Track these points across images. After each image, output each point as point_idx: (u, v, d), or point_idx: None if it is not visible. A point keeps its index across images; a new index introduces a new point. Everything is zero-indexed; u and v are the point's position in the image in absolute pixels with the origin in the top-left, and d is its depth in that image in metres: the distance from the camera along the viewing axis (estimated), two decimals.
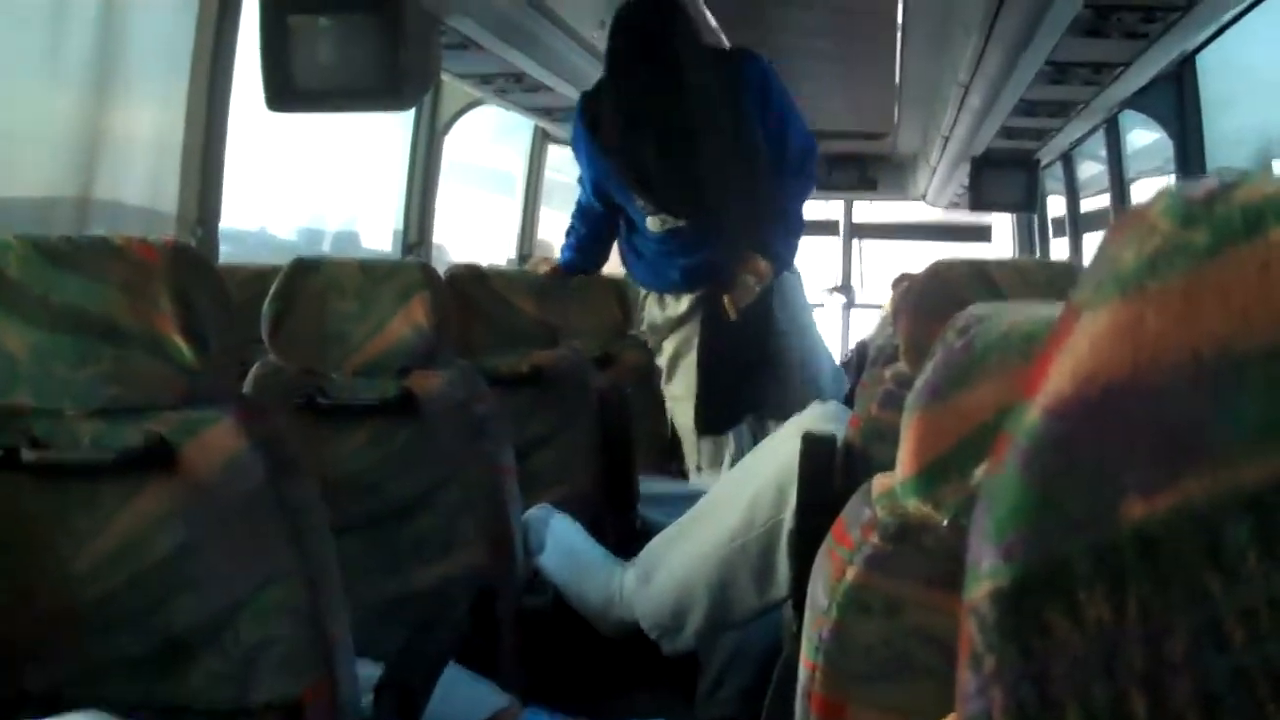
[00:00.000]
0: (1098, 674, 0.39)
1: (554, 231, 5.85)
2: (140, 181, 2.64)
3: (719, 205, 2.84)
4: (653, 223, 2.91)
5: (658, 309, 3.07)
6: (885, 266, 8.00)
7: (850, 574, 0.99)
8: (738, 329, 2.92)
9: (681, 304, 3.03)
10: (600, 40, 3.62)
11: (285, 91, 2.62)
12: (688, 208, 2.86)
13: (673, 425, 3.19)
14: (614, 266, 3.35)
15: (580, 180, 3.14)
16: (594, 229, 3.20)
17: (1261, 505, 0.37)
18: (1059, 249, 6.53)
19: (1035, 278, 1.70)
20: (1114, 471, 0.39)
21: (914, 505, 0.95)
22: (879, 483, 1.03)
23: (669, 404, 3.15)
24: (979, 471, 0.86)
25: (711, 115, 2.78)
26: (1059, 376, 0.41)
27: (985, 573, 0.42)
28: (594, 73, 3.93)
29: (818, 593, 1.03)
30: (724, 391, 2.99)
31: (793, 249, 3.05)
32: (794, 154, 2.95)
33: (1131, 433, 0.39)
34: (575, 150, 3.05)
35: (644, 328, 3.17)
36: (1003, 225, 7.82)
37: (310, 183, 4.66)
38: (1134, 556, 0.39)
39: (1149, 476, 0.38)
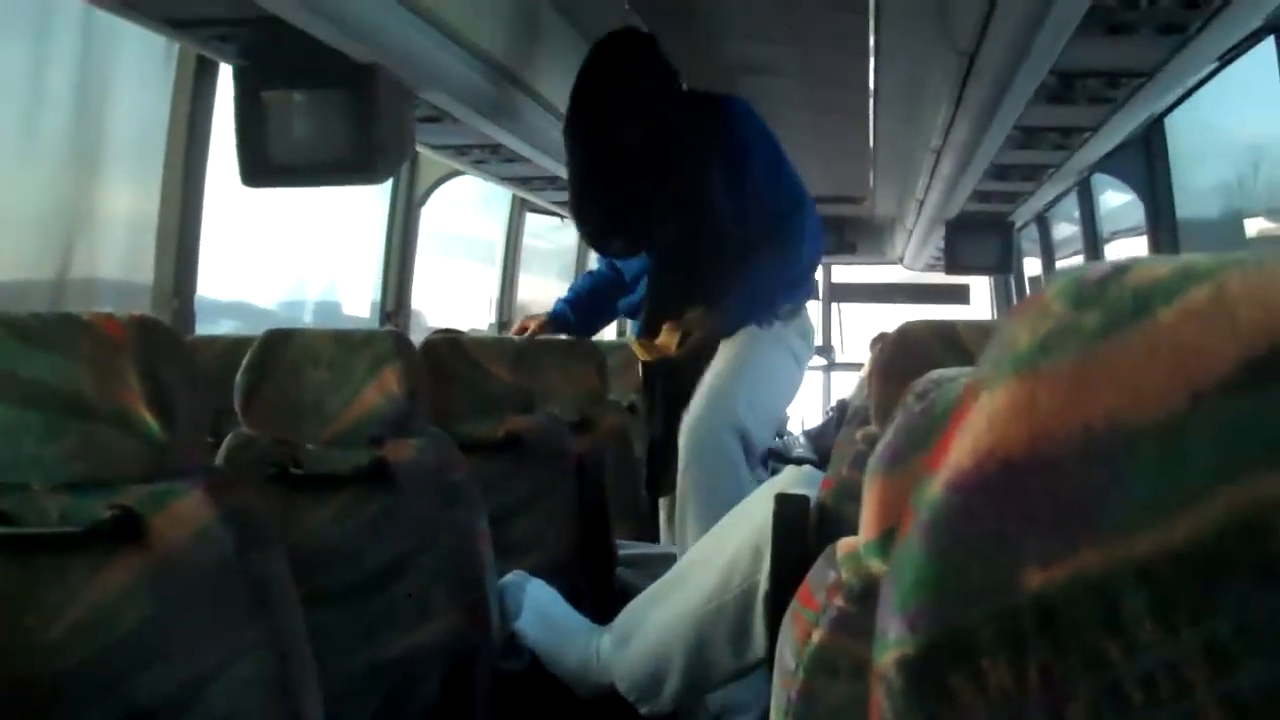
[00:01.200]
0: None
1: (532, 297, 5.88)
2: (118, 256, 2.66)
3: (663, 246, 2.95)
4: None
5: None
6: (867, 327, 8.05)
7: (816, 636, 0.99)
8: (672, 380, 3.01)
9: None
10: None
11: (261, 167, 2.65)
12: (636, 247, 3.03)
13: None
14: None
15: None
16: (592, 281, 3.34)
17: (1154, 575, 0.38)
18: None
19: None
20: (1013, 542, 0.40)
21: (877, 566, 0.96)
22: (844, 545, 1.03)
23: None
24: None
25: (667, 151, 2.86)
26: (959, 452, 0.42)
27: (892, 641, 0.43)
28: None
29: (785, 655, 1.03)
30: (660, 444, 3.04)
31: (754, 309, 2.97)
32: (765, 206, 2.91)
33: (1029, 505, 0.40)
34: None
35: None
36: (981, 286, 7.88)
37: (290, 252, 4.68)
38: (1034, 625, 0.40)
39: (1046, 547, 0.40)
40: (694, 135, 2.89)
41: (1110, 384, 0.39)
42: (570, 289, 3.36)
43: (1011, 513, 0.41)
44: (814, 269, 3.25)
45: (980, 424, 0.42)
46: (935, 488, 0.43)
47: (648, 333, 2.98)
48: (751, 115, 2.96)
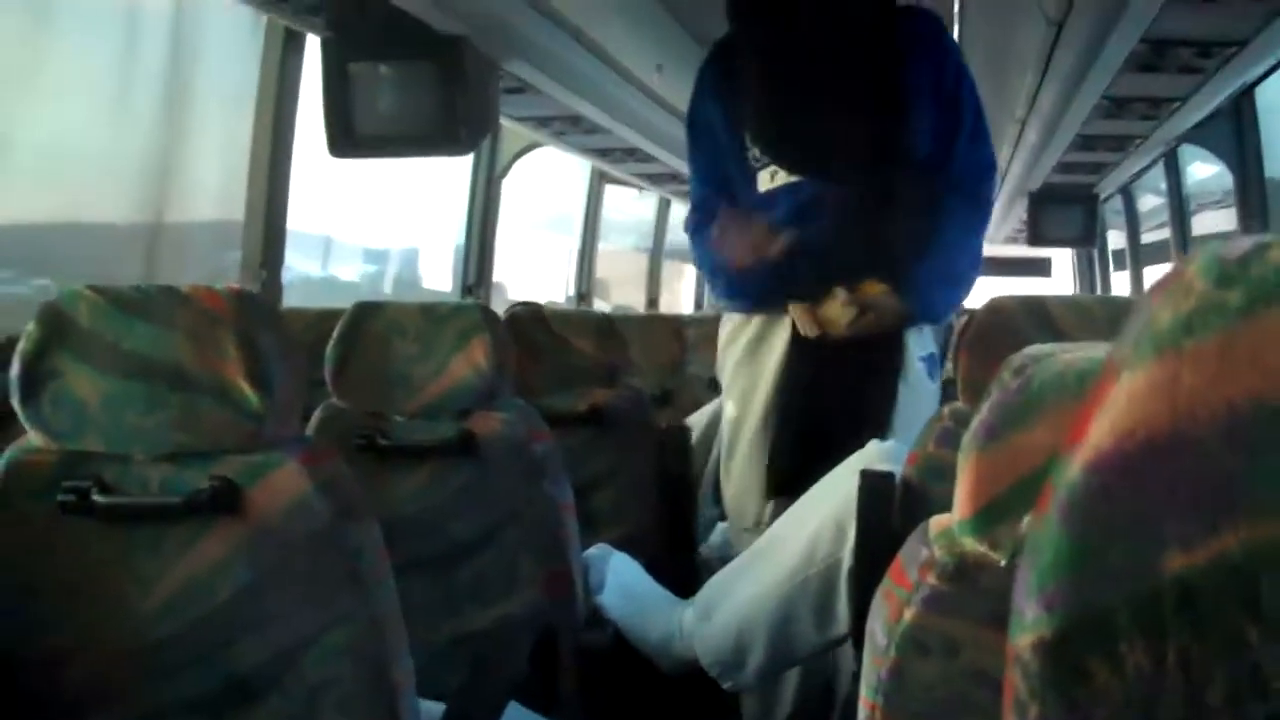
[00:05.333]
0: None
1: (610, 272, 5.89)
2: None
3: (845, 168, 2.31)
4: (764, 178, 2.36)
5: (729, 344, 2.51)
6: None
7: (908, 614, 0.99)
8: (828, 368, 2.33)
9: (756, 331, 2.45)
10: (656, 83, 3.66)
11: (347, 138, 2.67)
12: (808, 160, 2.31)
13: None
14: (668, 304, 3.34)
15: (693, 178, 2.57)
16: None
17: None
18: (1120, 282, 6.48)
19: (1094, 315, 1.68)
20: (1153, 524, 0.40)
21: (971, 545, 0.95)
22: (936, 523, 1.03)
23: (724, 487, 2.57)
24: (1026, 519, 0.87)
25: (862, 64, 2.30)
26: (1099, 432, 0.41)
27: (1029, 623, 0.42)
28: (650, 115, 3.98)
29: (876, 632, 1.03)
30: (799, 438, 2.38)
31: (948, 294, 2.40)
32: (962, 161, 2.35)
33: (1169, 487, 0.39)
34: (693, 134, 2.52)
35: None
36: (1063, 259, 7.77)
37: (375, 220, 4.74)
38: (1173, 607, 0.39)
39: (1187, 529, 0.39)
40: (908, 46, 2.34)
41: (1254, 363, 0.38)
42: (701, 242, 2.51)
43: (1152, 494, 0.40)
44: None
45: (1121, 403, 0.41)
46: (1074, 468, 0.42)
47: (807, 295, 2.30)
48: (948, 41, 2.43)
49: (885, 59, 2.31)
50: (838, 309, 2.26)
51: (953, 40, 2.42)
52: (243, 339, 1.30)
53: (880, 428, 2.25)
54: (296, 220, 2.91)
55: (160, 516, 1.31)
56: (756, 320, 2.44)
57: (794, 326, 2.34)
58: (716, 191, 2.44)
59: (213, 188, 2.76)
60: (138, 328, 1.30)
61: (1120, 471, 0.41)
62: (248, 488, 1.30)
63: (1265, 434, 0.38)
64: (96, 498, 1.29)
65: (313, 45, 2.79)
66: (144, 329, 1.30)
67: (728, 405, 2.51)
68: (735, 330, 2.48)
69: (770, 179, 2.35)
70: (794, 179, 2.32)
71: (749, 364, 2.45)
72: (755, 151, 2.36)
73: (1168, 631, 0.39)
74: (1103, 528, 0.41)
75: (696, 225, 2.49)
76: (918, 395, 2.34)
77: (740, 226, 2.31)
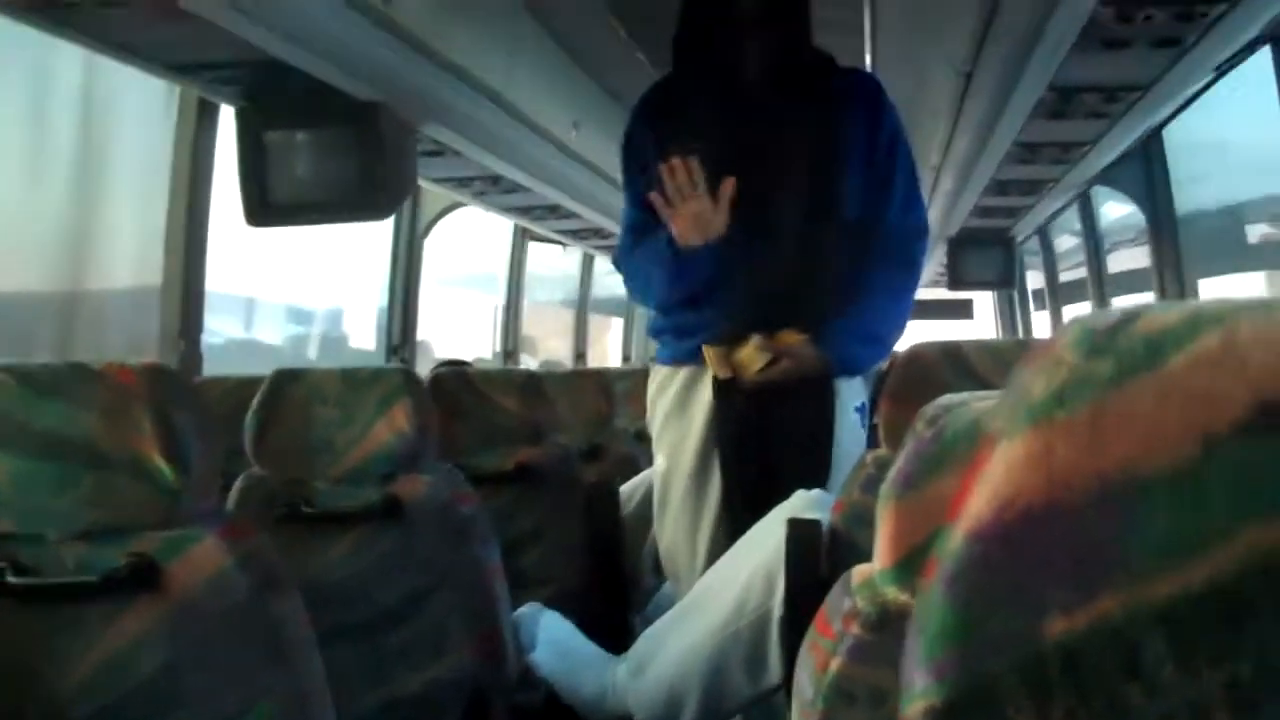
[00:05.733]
0: None
1: (537, 327, 5.89)
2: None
3: (773, 222, 2.31)
4: None
5: (659, 395, 2.48)
6: None
7: (834, 664, 0.99)
8: (757, 419, 2.33)
9: (684, 382, 2.42)
10: (574, 141, 3.69)
11: (264, 207, 2.66)
12: (736, 210, 2.25)
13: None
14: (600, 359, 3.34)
15: (627, 202, 2.51)
16: None
17: (1174, 618, 0.39)
18: (1041, 321, 6.58)
19: (1010, 359, 1.70)
20: (1034, 591, 0.41)
21: (893, 594, 0.96)
22: (859, 572, 1.04)
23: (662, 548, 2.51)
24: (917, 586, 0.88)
25: (798, 121, 2.32)
26: (978, 501, 0.43)
27: (918, 692, 0.43)
28: (570, 172, 4.00)
29: (803, 684, 1.04)
30: (738, 489, 2.36)
31: (866, 352, 2.39)
32: (893, 224, 2.37)
33: (1048, 553, 0.41)
34: (627, 158, 2.49)
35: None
36: (985, 301, 7.89)
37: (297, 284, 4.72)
38: (1058, 672, 0.40)
39: (1067, 594, 0.40)
40: (844, 105, 2.36)
41: (1125, 432, 0.40)
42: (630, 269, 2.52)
43: (1032, 561, 0.41)
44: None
45: (998, 474, 0.42)
46: (956, 538, 0.43)
47: (724, 340, 2.31)
48: (884, 100, 2.42)
49: (820, 117, 2.34)
50: (751, 353, 2.27)
51: (889, 101, 2.41)
52: (157, 415, 1.29)
53: (817, 479, 2.25)
54: (217, 282, 2.90)
55: (77, 595, 1.29)
56: (684, 372, 2.43)
57: (715, 378, 2.34)
58: (648, 215, 2.38)
59: (130, 256, 2.74)
60: (49, 406, 1.28)
61: (1000, 540, 0.42)
62: (166, 564, 1.29)
63: (1139, 500, 0.39)
64: (10, 579, 1.27)
65: (227, 114, 2.78)
66: (55, 408, 1.28)
67: (658, 458, 2.49)
68: (664, 382, 2.47)
69: None
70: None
71: (678, 416, 2.43)
72: None
73: (1054, 695, 0.40)
74: (985, 596, 0.42)
75: (630, 246, 2.47)
76: (854, 446, 2.36)
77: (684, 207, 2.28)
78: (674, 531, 2.45)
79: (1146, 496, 0.39)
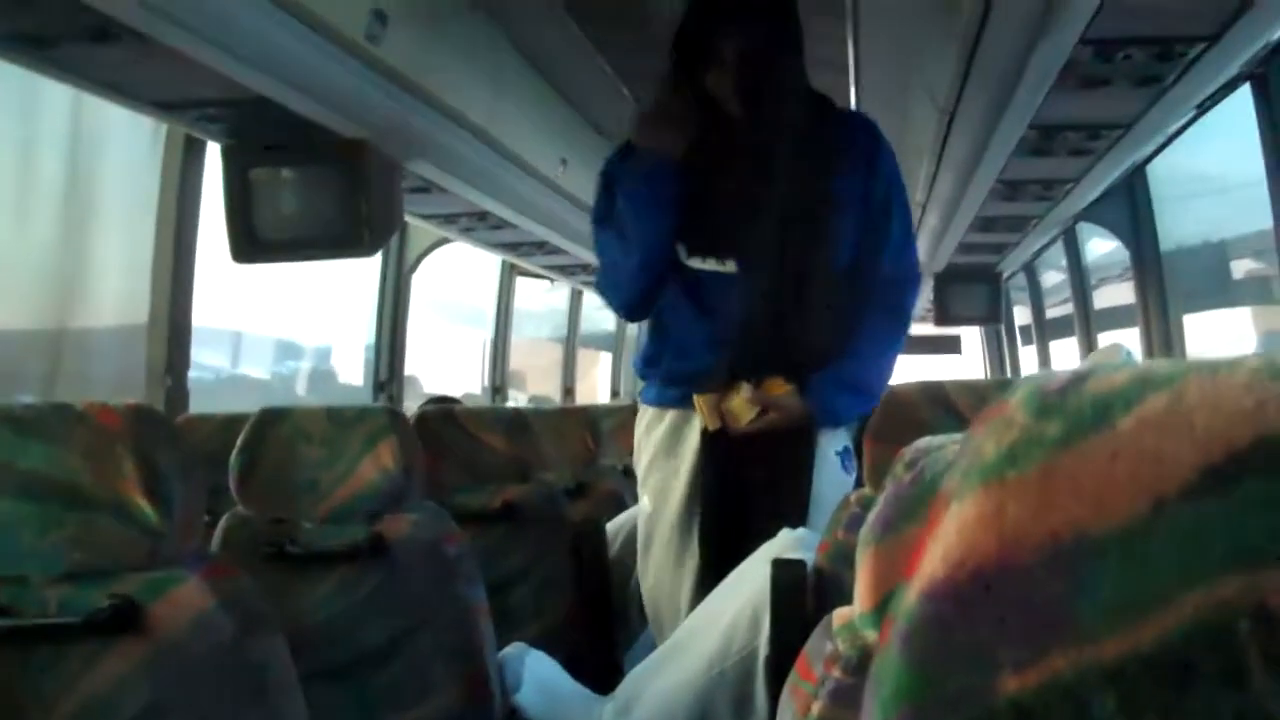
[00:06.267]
0: None
1: (525, 361, 5.89)
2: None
3: (763, 269, 2.29)
4: (683, 252, 2.34)
5: (645, 436, 2.45)
6: None
7: (815, 708, 1.00)
8: (741, 462, 2.32)
9: (672, 425, 2.40)
10: (561, 177, 3.70)
11: (250, 243, 2.67)
12: (727, 254, 2.29)
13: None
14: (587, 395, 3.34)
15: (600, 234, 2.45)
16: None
17: (1124, 677, 0.39)
18: (1028, 356, 6.61)
19: (991, 398, 1.71)
20: (987, 649, 0.41)
21: (873, 637, 0.96)
22: (839, 615, 1.04)
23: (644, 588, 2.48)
24: (871, 643, 0.89)
25: (794, 168, 2.27)
26: (931, 561, 0.43)
27: None
28: (557, 208, 4.02)
29: None
30: (720, 532, 2.34)
31: (853, 402, 2.32)
32: (885, 273, 2.35)
33: (1000, 612, 0.41)
34: (605, 190, 2.42)
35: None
36: (972, 336, 7.92)
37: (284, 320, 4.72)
38: None
39: (1019, 653, 0.41)
40: (842, 152, 2.33)
41: (1074, 493, 0.40)
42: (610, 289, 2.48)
43: (984, 620, 0.42)
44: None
45: (950, 534, 0.43)
46: (911, 597, 0.44)
47: (713, 387, 2.30)
48: (884, 145, 2.39)
49: (816, 165, 2.31)
50: (741, 404, 2.27)
51: (889, 149, 2.38)
52: (140, 456, 1.30)
53: (791, 523, 2.24)
54: (204, 316, 2.90)
55: (60, 637, 1.29)
56: (671, 414, 2.41)
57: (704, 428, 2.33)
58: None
59: (117, 293, 2.74)
60: (32, 447, 1.28)
61: (953, 600, 0.42)
62: (149, 605, 1.29)
63: (1088, 561, 0.40)
64: None
65: (213, 151, 2.80)
66: (38, 448, 1.28)
67: (643, 500, 2.47)
68: (651, 423, 2.46)
69: (688, 256, 2.34)
70: (723, 267, 2.32)
71: (665, 459, 2.42)
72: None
73: None
74: (940, 654, 0.43)
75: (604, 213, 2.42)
76: (834, 489, 2.35)
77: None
78: (657, 575, 2.43)
79: (1096, 557, 0.40)
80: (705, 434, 2.34)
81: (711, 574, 2.28)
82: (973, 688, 0.41)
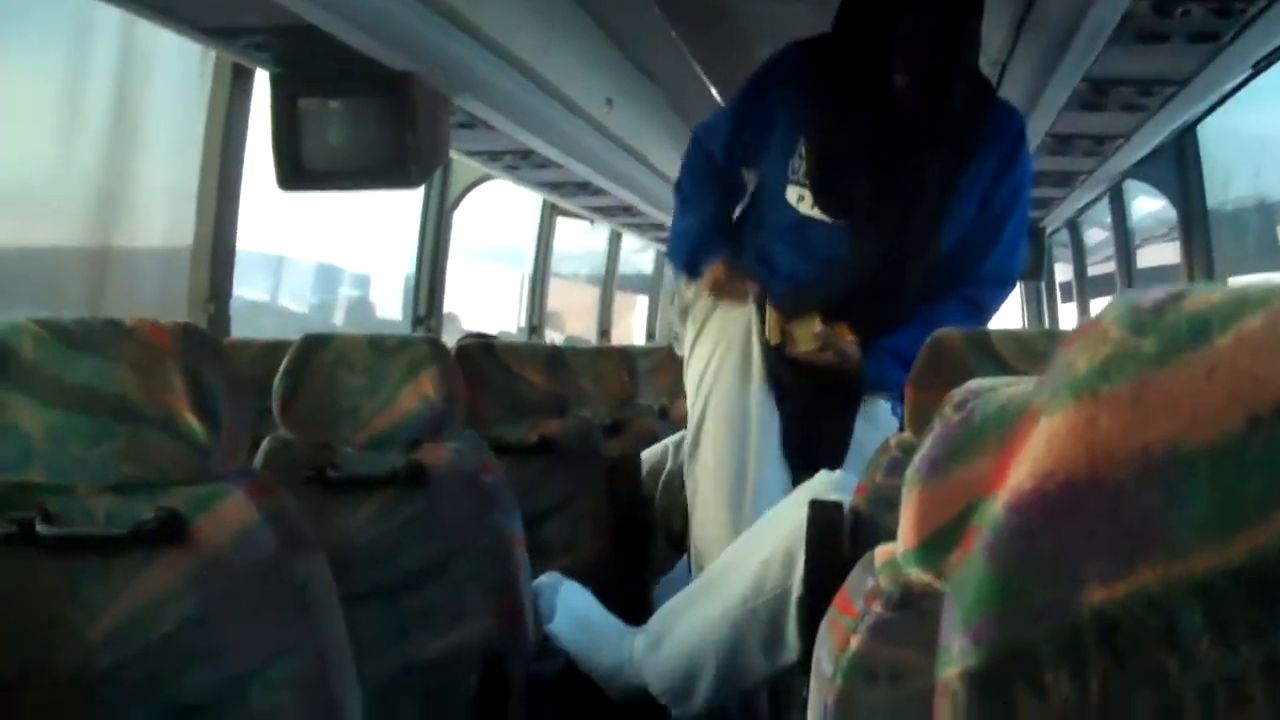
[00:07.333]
0: None
1: (561, 303, 5.89)
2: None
3: (875, 239, 2.33)
4: (792, 192, 2.37)
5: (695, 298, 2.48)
6: None
7: (855, 642, 0.99)
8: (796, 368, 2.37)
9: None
10: (606, 118, 3.68)
11: (296, 172, 2.67)
12: (841, 214, 2.32)
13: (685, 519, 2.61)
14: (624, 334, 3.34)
15: (700, 144, 2.54)
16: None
17: (1212, 591, 0.39)
18: (1067, 313, 6.56)
19: (1036, 347, 1.70)
20: (1073, 561, 0.41)
21: (915, 574, 0.95)
22: (881, 552, 1.04)
23: (689, 485, 2.50)
24: (951, 558, 0.89)
25: (937, 146, 2.30)
26: (1020, 473, 0.43)
27: (955, 655, 0.44)
28: (601, 149, 4.00)
29: (822, 661, 1.04)
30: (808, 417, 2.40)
31: (895, 376, 2.21)
32: (985, 271, 2.39)
33: (1089, 525, 0.41)
34: (749, 97, 2.45)
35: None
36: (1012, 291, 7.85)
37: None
38: (1095, 640, 0.41)
39: (1106, 565, 0.40)
40: (982, 137, 2.35)
41: (1168, 408, 0.40)
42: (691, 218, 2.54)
43: (1072, 532, 0.42)
44: None
45: (1040, 447, 0.43)
46: (997, 508, 0.44)
47: (787, 308, 2.37)
48: (1025, 145, 2.42)
49: (955, 149, 2.32)
50: (806, 333, 2.34)
51: (1028, 151, 2.42)
52: (188, 373, 1.30)
53: (837, 447, 2.35)
54: (245, 241, 2.91)
55: (106, 547, 1.30)
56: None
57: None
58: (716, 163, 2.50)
59: (160, 216, 2.75)
60: (82, 361, 1.29)
61: (1041, 511, 0.42)
62: (194, 519, 1.30)
63: (1181, 475, 0.40)
64: (41, 529, 1.28)
65: (261, 80, 2.79)
66: (88, 362, 1.29)
67: (702, 346, 2.50)
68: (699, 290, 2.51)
69: (798, 199, 2.37)
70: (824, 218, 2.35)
71: (720, 320, 2.48)
72: (799, 167, 2.36)
73: (1090, 663, 0.41)
74: (1025, 565, 0.42)
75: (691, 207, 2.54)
76: (879, 429, 2.36)
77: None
78: (718, 447, 2.43)
79: (1189, 472, 0.39)
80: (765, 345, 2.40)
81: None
82: (1057, 598, 0.41)
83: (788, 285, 2.40)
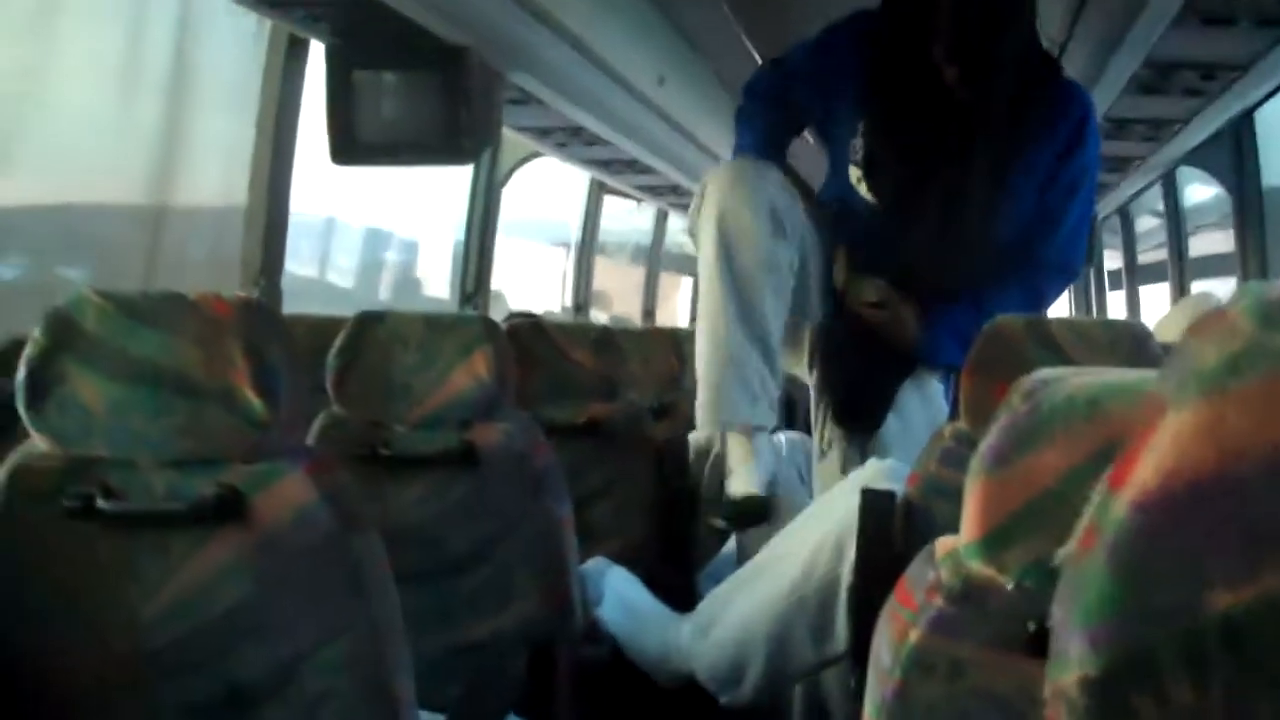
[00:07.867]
0: None
1: (605, 282, 5.88)
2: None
3: (932, 224, 2.31)
4: (853, 174, 2.36)
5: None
6: None
7: (914, 635, 0.99)
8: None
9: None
10: (658, 95, 3.66)
11: (349, 145, 2.67)
12: (898, 202, 2.32)
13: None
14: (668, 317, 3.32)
15: (782, 69, 2.51)
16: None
17: None
18: (1115, 301, 6.51)
19: (1095, 337, 1.68)
20: (1199, 563, 0.40)
21: (978, 568, 0.95)
22: (942, 544, 1.03)
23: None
24: (1060, 553, 0.87)
25: (998, 129, 2.25)
26: (1144, 471, 0.41)
27: (1074, 660, 0.42)
28: (651, 126, 3.99)
29: (881, 652, 1.03)
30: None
31: (948, 353, 2.31)
32: (1048, 258, 2.37)
33: (1215, 526, 0.40)
34: (821, 51, 2.43)
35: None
36: None
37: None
38: (1218, 645, 0.39)
39: (1232, 568, 0.39)
40: (1046, 118, 2.30)
41: None
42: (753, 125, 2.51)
43: (1198, 533, 0.40)
44: None
45: (1166, 444, 0.41)
46: (1119, 507, 0.42)
47: (857, 262, 2.41)
48: (1093, 123, 2.35)
49: (1017, 131, 2.27)
50: (869, 288, 2.39)
51: (1096, 132, 2.35)
52: (249, 348, 1.30)
53: (879, 406, 2.37)
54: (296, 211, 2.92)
55: (165, 523, 1.31)
56: None
57: None
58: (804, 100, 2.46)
59: (214, 179, 2.76)
60: (144, 334, 1.29)
61: (1166, 511, 0.41)
62: (253, 496, 1.30)
63: None
64: (101, 503, 1.29)
65: (316, 51, 2.79)
66: (150, 335, 1.29)
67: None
68: None
69: (857, 180, 2.36)
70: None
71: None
72: (858, 147, 2.35)
73: (1213, 670, 0.40)
74: (1148, 567, 0.41)
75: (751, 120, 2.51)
76: (929, 406, 2.35)
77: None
78: None
79: None
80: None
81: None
82: (1181, 602, 0.40)
83: (863, 238, 2.39)
